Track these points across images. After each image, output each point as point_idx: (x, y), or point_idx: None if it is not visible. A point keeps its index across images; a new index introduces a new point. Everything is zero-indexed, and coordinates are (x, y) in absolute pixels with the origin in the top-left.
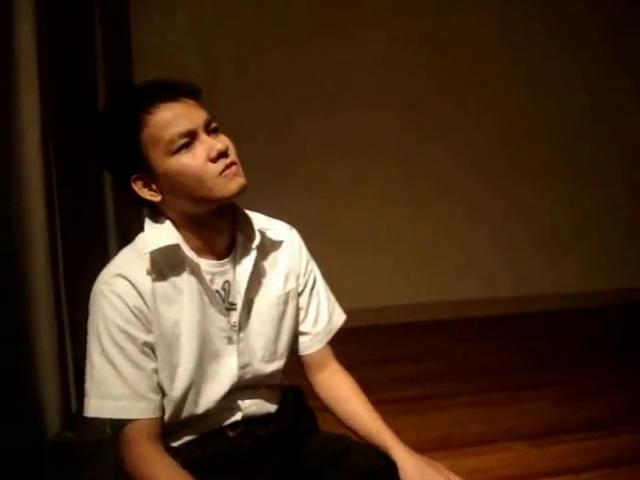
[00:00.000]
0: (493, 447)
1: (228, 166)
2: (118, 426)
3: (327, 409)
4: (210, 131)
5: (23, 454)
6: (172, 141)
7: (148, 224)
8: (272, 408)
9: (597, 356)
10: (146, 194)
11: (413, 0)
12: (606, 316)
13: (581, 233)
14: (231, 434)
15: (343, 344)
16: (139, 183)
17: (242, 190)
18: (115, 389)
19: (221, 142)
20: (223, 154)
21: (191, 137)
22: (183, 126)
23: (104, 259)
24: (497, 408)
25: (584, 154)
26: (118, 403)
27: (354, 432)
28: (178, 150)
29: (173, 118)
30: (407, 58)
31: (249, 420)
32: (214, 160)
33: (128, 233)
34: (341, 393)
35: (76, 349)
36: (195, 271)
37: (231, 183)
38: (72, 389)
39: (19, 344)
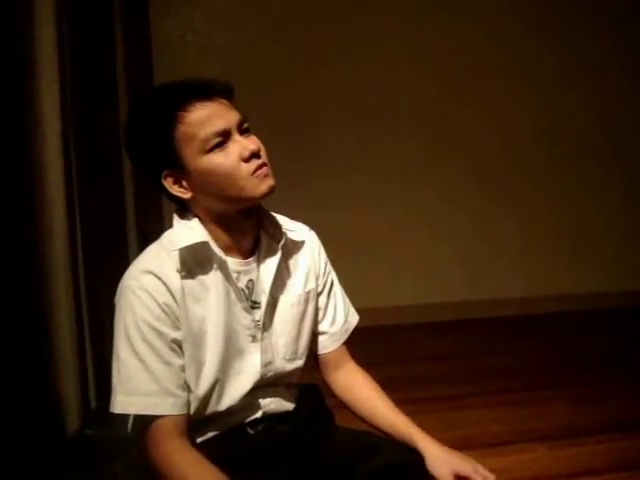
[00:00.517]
0: (511, 448)
1: (260, 167)
2: (143, 423)
3: (345, 406)
4: (242, 131)
5: (42, 452)
6: (206, 140)
7: (176, 221)
8: (290, 406)
9: (615, 357)
10: (176, 191)
11: (423, 18)
12: (623, 317)
13: (596, 234)
14: (251, 431)
15: (360, 343)
16: (170, 180)
17: (271, 191)
18: (143, 385)
19: (253, 142)
20: (255, 154)
21: (225, 136)
22: (218, 125)
23: (124, 259)
24: (515, 409)
25: (588, 163)
26: (146, 399)
27: (376, 428)
28: (212, 149)
29: (208, 117)
30: (418, 75)
31: (268, 417)
32: (247, 160)
33: (148, 233)
34: (360, 391)
35: (95, 347)
36: (222, 269)
37: (262, 184)
38: (91, 386)
39: (38, 342)
